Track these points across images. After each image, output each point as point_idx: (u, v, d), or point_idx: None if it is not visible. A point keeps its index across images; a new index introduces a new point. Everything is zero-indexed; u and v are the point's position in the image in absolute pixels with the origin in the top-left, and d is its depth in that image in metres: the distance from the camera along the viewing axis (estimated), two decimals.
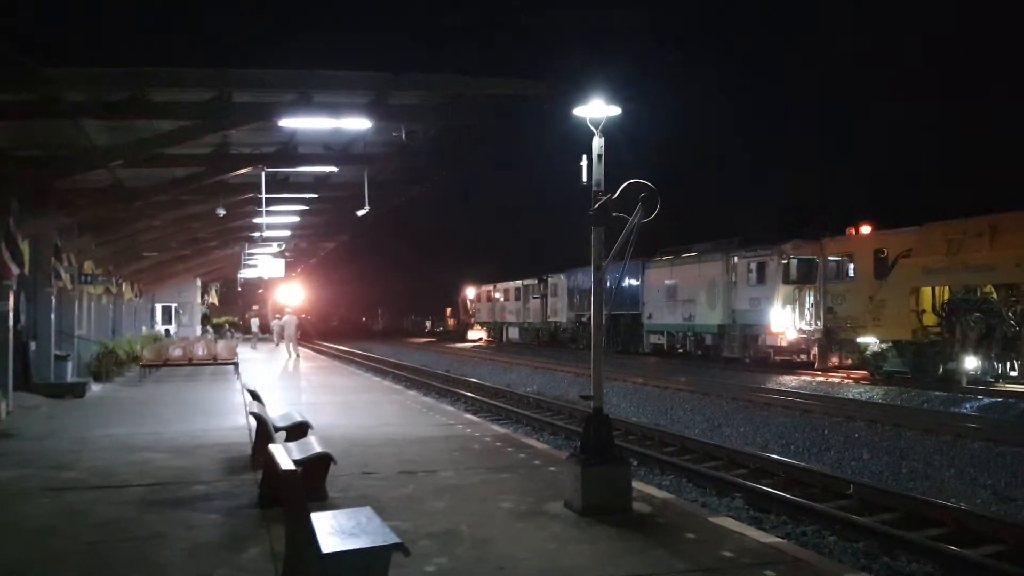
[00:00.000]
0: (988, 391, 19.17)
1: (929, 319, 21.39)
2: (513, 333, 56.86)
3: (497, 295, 60.08)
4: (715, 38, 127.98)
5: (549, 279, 49.98)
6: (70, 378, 19.03)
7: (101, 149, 14.78)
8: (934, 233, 21.07)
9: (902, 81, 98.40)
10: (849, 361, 25.32)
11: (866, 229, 24.66)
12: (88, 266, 23.32)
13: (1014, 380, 19.81)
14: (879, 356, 23.13)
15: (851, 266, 24.50)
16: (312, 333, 58.84)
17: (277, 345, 41.78)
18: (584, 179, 7.75)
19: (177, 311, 48.40)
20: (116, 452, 10.84)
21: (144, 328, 39.22)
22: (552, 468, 9.54)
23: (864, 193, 64.04)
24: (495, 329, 61.28)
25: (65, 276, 19.62)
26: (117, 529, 7.10)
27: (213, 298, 58.56)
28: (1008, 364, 19.98)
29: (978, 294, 20.24)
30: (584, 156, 7.73)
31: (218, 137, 15.68)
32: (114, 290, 28.60)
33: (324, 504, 7.54)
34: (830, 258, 25.30)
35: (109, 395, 19.03)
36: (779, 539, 7.25)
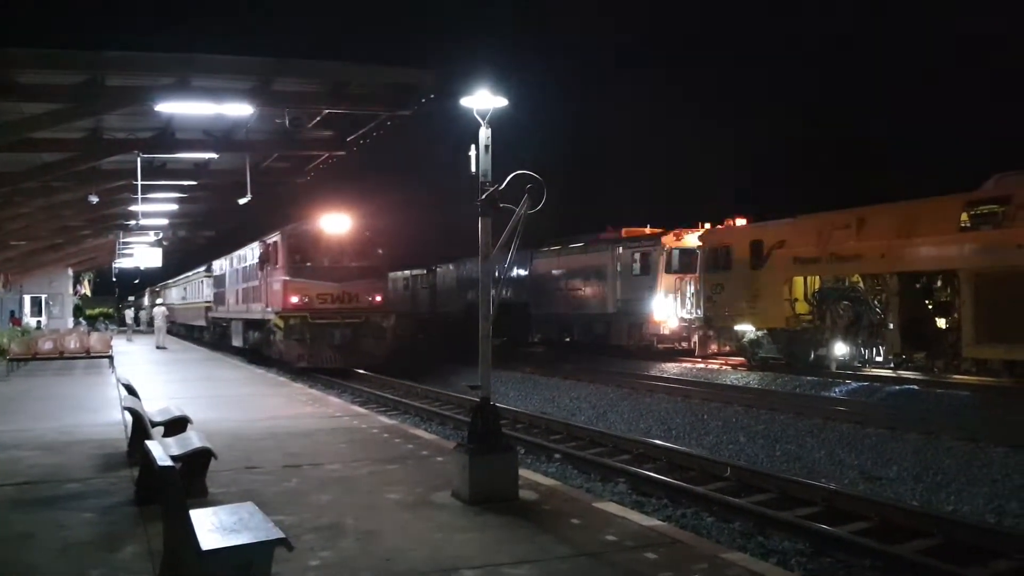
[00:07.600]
0: (855, 376, 20.09)
1: (801, 307, 22.24)
2: None
3: None
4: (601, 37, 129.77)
5: (438, 269, 49.81)
6: None
7: None
8: (806, 225, 21.90)
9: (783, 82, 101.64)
10: (727, 348, 26.17)
11: (742, 221, 25.51)
12: None
13: (879, 365, 20.83)
14: (755, 343, 23.95)
15: (729, 257, 25.24)
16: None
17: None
18: (472, 170, 7.77)
19: (47, 302, 46.27)
20: None
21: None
22: (440, 458, 9.56)
23: (740, 186, 65.90)
24: None
25: None
26: None
27: (86, 289, 56.24)
28: (873, 350, 20.96)
29: (846, 284, 21.14)
30: (472, 147, 7.75)
31: (91, 121, 15.09)
32: None
33: (205, 500, 7.36)
34: (709, 249, 26.02)
35: None
36: (660, 522, 7.46)
